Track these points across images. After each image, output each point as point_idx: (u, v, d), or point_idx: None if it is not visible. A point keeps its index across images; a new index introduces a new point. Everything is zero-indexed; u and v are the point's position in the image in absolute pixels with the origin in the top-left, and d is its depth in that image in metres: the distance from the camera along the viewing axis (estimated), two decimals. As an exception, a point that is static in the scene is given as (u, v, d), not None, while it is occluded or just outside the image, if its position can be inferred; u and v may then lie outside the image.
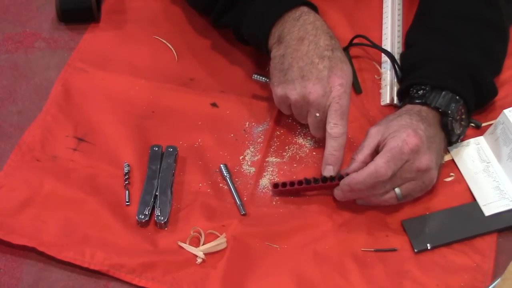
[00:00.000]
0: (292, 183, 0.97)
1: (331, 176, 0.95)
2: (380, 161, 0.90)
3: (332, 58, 0.95)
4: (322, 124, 0.97)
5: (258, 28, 1.01)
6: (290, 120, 1.06)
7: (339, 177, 0.94)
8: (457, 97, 0.97)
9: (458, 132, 0.99)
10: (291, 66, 0.96)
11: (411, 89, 0.99)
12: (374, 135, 0.95)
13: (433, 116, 0.96)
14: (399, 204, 0.96)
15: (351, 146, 1.03)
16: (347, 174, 0.94)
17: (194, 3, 1.13)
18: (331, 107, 0.95)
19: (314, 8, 1.01)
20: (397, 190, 0.92)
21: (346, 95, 0.95)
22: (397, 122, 0.94)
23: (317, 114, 0.96)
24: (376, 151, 0.94)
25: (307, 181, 0.96)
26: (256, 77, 1.06)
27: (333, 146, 0.96)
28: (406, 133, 0.91)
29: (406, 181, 0.92)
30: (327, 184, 0.96)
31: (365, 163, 0.93)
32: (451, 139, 0.99)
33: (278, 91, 0.98)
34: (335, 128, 0.95)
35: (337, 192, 0.95)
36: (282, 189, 0.98)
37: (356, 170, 0.93)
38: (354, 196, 0.95)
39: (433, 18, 1.08)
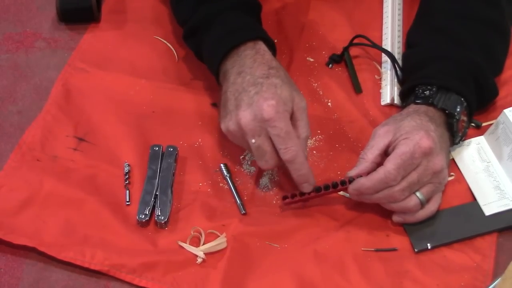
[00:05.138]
0: (302, 193, 0.95)
1: (341, 181, 0.93)
2: (390, 166, 0.89)
3: (265, 84, 0.92)
4: (262, 151, 0.92)
5: (210, 65, 1.02)
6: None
7: (350, 180, 0.92)
8: (462, 99, 0.97)
9: (460, 134, 0.99)
10: (229, 99, 0.95)
11: (417, 88, 0.99)
12: (383, 135, 0.93)
13: (439, 117, 0.96)
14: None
15: (352, 146, 1.03)
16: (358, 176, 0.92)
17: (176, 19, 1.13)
18: (270, 132, 0.91)
19: (266, 40, 1.00)
20: (418, 195, 0.91)
21: (280, 115, 0.90)
22: (408, 123, 0.93)
23: (253, 141, 0.91)
24: (385, 151, 0.93)
25: (318, 189, 0.95)
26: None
27: (296, 169, 0.92)
28: (419, 136, 0.90)
29: (424, 185, 0.91)
30: (338, 189, 0.94)
31: (375, 164, 0.92)
32: (455, 140, 0.99)
33: (222, 127, 0.96)
34: (286, 154, 0.91)
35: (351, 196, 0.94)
36: (291, 200, 0.96)
37: (366, 170, 0.91)
38: (369, 201, 0.94)
39: (434, 18, 1.07)
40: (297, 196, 0.96)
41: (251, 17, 1.04)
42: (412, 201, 0.91)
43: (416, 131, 0.91)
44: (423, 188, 0.92)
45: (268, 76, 0.93)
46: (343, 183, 0.93)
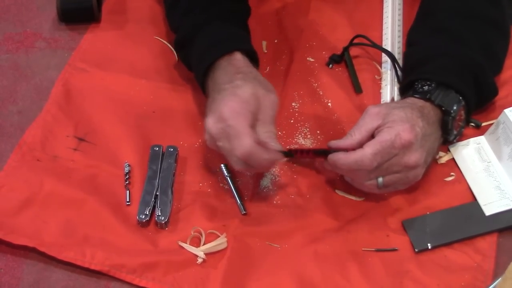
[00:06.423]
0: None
1: (324, 150, 0.95)
2: (368, 151, 0.90)
3: (229, 88, 0.92)
4: (228, 152, 0.90)
5: (198, 81, 1.02)
6: (292, 121, 1.06)
7: (329, 151, 0.94)
8: (460, 98, 0.97)
9: (455, 132, 0.99)
10: (206, 114, 0.95)
11: (416, 83, 0.99)
12: (374, 117, 0.93)
13: (434, 114, 0.96)
14: (400, 203, 0.97)
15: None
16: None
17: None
18: (227, 132, 0.90)
19: (244, 49, 0.99)
20: (379, 179, 0.92)
21: (234, 114, 0.89)
22: (398, 112, 0.93)
23: (220, 144, 0.91)
24: (372, 134, 0.93)
25: (288, 154, 0.94)
26: None
27: (257, 163, 0.90)
28: (402, 127, 0.91)
29: (391, 173, 0.92)
30: (319, 156, 0.96)
31: (360, 144, 0.92)
32: (449, 138, 0.99)
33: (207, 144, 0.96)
34: (237, 152, 0.89)
35: (326, 165, 0.95)
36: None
37: (350, 148, 0.92)
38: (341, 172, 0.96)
39: (435, 17, 1.07)
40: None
41: (234, 26, 1.03)
42: (370, 182, 0.93)
43: (402, 123, 0.91)
44: (389, 176, 0.92)
45: (233, 80, 0.94)
46: (324, 152, 0.94)
